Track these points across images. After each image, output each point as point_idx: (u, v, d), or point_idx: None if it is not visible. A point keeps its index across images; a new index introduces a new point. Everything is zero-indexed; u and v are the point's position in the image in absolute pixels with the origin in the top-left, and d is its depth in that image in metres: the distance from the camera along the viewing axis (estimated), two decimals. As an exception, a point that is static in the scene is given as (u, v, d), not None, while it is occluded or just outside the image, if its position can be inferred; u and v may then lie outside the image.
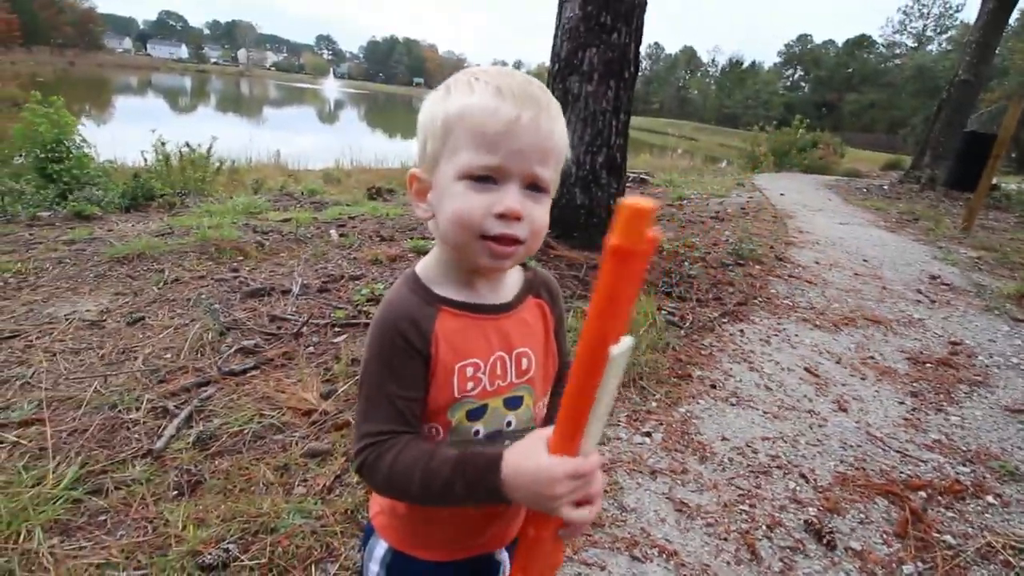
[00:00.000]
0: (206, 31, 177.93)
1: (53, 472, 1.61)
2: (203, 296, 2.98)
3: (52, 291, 3.01)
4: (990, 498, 1.84)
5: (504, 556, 0.78)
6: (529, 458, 0.56)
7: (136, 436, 1.84)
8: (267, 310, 2.87)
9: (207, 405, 2.03)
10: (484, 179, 0.59)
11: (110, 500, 1.54)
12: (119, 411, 1.97)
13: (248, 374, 2.26)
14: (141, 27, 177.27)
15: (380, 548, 0.75)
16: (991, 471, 1.99)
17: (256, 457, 1.75)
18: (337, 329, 2.69)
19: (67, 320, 2.67)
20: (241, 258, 3.66)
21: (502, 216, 0.59)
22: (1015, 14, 12.89)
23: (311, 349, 2.49)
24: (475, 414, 0.67)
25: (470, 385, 0.66)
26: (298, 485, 1.64)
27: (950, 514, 1.76)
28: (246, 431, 1.87)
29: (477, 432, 0.68)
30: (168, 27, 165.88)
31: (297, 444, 1.82)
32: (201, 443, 1.80)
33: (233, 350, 2.43)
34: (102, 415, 1.94)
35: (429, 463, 0.60)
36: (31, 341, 2.45)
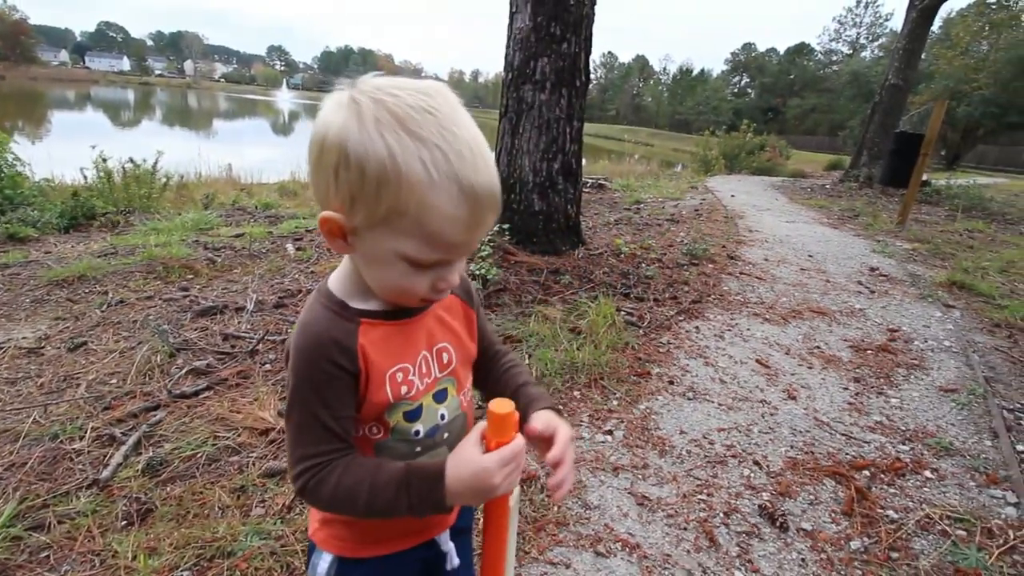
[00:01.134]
0: (149, 42, 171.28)
1: (-12, 510, 1.52)
2: (151, 317, 2.86)
3: (-16, 319, 2.84)
4: (928, 473, 1.96)
5: (450, 546, 0.79)
6: (468, 463, 0.61)
7: (80, 466, 1.75)
8: (220, 328, 2.79)
9: (157, 430, 1.95)
10: (425, 265, 0.60)
11: (52, 535, 1.46)
12: (61, 441, 1.87)
13: (201, 396, 2.18)
14: (78, 38, 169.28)
15: (324, 562, 0.75)
16: (928, 448, 2.13)
17: (211, 480, 1.70)
18: (285, 354, 2.63)
19: (1, 349, 2.52)
20: (191, 276, 3.54)
21: (443, 288, 0.64)
22: (937, 22, 13.84)
23: (267, 366, 2.43)
24: (412, 415, 0.69)
25: (403, 389, 0.68)
26: (256, 506, 1.60)
27: (892, 490, 1.86)
28: (199, 454, 1.81)
29: (417, 432, 0.70)
30: (108, 39, 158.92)
31: (254, 464, 1.77)
32: (151, 470, 1.73)
33: (184, 372, 2.34)
34: (42, 447, 1.84)
35: (374, 482, 0.62)
36: (-39, 373, 2.30)
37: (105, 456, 1.80)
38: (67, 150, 8.62)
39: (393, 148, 0.52)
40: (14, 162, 5.59)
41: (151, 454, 1.79)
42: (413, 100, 0.54)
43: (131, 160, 6.63)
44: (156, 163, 6.89)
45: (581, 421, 2.14)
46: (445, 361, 0.73)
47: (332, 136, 0.55)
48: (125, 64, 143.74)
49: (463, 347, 0.77)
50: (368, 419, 0.67)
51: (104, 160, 6.36)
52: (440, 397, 0.73)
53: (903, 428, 2.27)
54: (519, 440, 0.63)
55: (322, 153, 0.56)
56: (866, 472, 1.94)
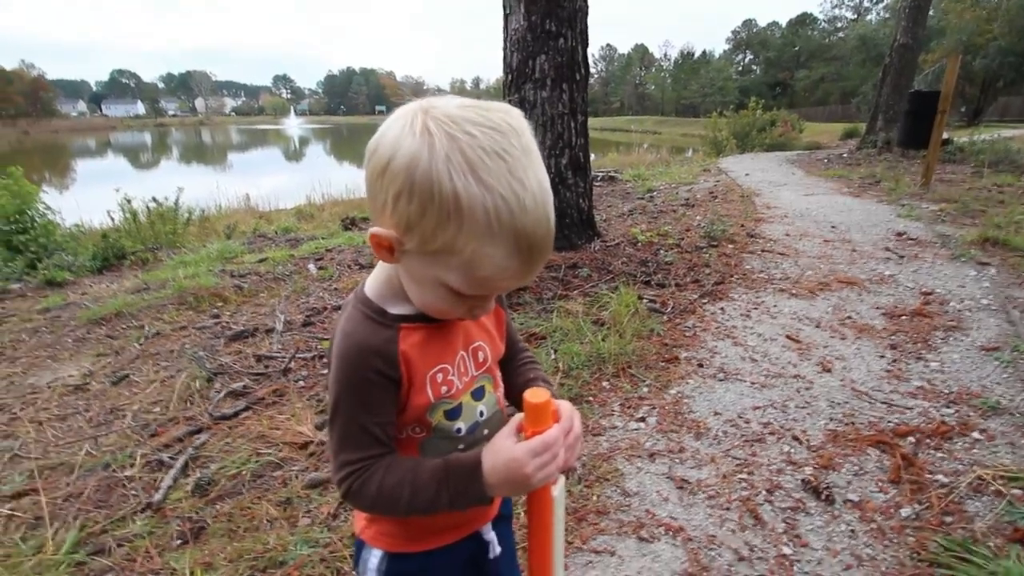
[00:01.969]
0: (161, 85, 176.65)
1: (52, 539, 1.59)
2: (186, 346, 2.96)
3: (31, 361, 2.97)
4: (976, 434, 1.90)
5: (492, 535, 0.81)
6: (499, 453, 0.62)
7: (133, 492, 1.82)
8: (253, 351, 2.86)
9: (202, 452, 2.01)
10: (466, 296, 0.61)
11: (114, 558, 1.53)
12: (113, 470, 1.95)
13: (240, 416, 2.25)
14: (94, 89, 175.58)
15: (374, 557, 0.76)
16: (974, 409, 2.06)
17: (257, 496, 1.75)
18: (325, 360, 2.69)
19: (50, 388, 2.64)
20: (221, 304, 3.64)
21: (479, 314, 0.66)
22: (942, -24, 13.43)
23: (301, 383, 2.49)
24: (453, 413, 0.70)
25: (444, 388, 0.69)
26: (302, 516, 1.64)
27: (940, 455, 1.81)
28: (244, 472, 1.86)
29: (459, 429, 0.71)
30: (121, 86, 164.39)
31: (297, 477, 1.82)
32: (200, 490, 1.79)
33: (223, 395, 2.41)
34: (96, 476, 1.92)
35: (415, 481, 0.64)
36: (15, 413, 2.41)
37: (156, 480, 1.87)
38: (93, 196, 8.96)
39: (460, 192, 0.51)
40: (45, 211, 5.83)
41: (199, 475, 1.85)
42: (487, 141, 0.52)
43: (154, 199, 6.87)
44: (178, 200, 7.11)
45: (612, 410, 2.14)
46: (481, 359, 0.75)
47: (399, 161, 0.53)
48: (140, 108, 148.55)
49: (495, 345, 0.79)
50: (410, 420, 0.69)
51: (129, 201, 6.60)
52: (478, 395, 0.74)
53: (946, 391, 2.21)
54: (552, 430, 0.62)
55: (385, 174, 0.55)
56: (911, 438, 1.90)
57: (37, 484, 1.88)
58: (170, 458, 1.98)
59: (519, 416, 0.65)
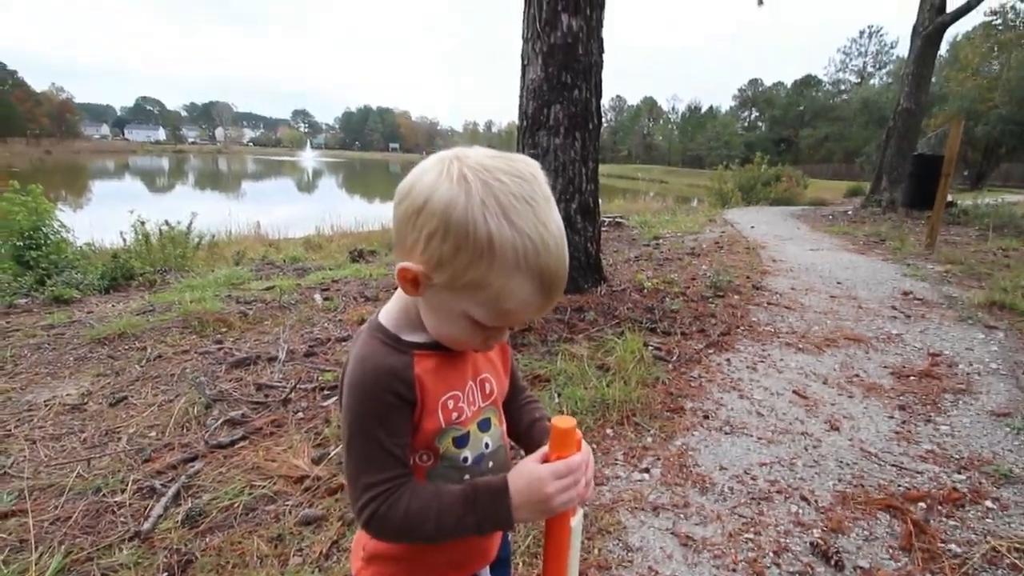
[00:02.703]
0: (183, 113, 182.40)
1: (36, 564, 1.54)
2: (187, 370, 2.94)
3: (31, 378, 2.95)
4: (988, 503, 1.85)
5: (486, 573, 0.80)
6: (523, 474, 0.64)
7: (122, 519, 1.77)
8: (253, 379, 2.84)
9: (195, 481, 1.97)
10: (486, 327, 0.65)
11: (96, 589, 1.47)
12: (103, 495, 1.90)
13: (237, 445, 2.21)
14: (119, 113, 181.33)
15: None
16: (986, 476, 2.01)
17: (248, 530, 1.70)
18: (326, 392, 2.67)
19: (47, 406, 2.61)
20: (225, 329, 3.64)
21: (493, 345, 0.70)
22: (944, 46, 13.97)
23: (300, 415, 2.46)
24: (460, 441, 0.71)
25: (454, 415, 0.70)
26: (294, 555, 1.59)
27: (952, 522, 1.76)
28: (237, 504, 1.82)
29: (465, 459, 0.72)
30: (145, 112, 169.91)
31: (290, 512, 1.77)
32: (191, 520, 1.74)
33: (220, 422, 2.38)
34: (86, 500, 1.87)
35: (441, 503, 0.64)
36: (9, 430, 2.38)
37: (146, 508, 1.82)
38: (107, 216, 9.12)
39: (493, 234, 0.56)
40: (59, 229, 5.92)
41: (190, 505, 1.81)
42: (517, 188, 0.57)
43: (167, 223, 6.99)
44: (190, 224, 7.23)
45: (616, 460, 2.09)
46: (488, 391, 0.76)
47: (436, 203, 0.57)
48: (161, 134, 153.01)
49: (501, 380, 0.81)
50: (419, 447, 0.69)
51: (142, 223, 6.71)
52: (484, 426, 0.75)
53: (956, 456, 2.16)
54: (576, 456, 0.65)
55: (419, 215, 0.59)
56: (922, 504, 1.84)
57: (25, 505, 1.83)
58: (162, 485, 1.93)
59: (545, 447, 0.67)
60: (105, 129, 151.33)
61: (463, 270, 0.58)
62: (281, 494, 1.87)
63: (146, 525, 1.71)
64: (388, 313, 0.71)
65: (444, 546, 0.72)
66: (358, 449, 0.64)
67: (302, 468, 1.99)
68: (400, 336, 0.68)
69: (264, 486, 1.91)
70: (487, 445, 0.75)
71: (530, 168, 0.61)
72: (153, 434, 2.34)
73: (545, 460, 0.65)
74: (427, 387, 0.67)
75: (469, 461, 0.72)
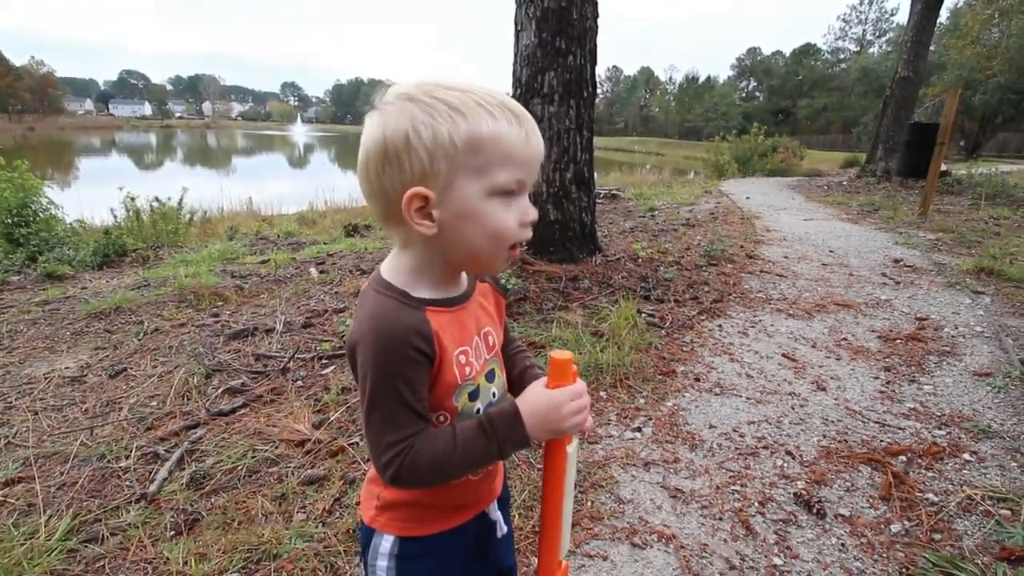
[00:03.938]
0: (169, 87, 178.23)
1: (45, 526, 1.59)
2: (185, 342, 2.97)
3: (28, 352, 2.97)
4: (966, 456, 1.92)
5: (498, 515, 0.84)
6: (538, 397, 0.69)
7: (128, 483, 1.82)
8: (252, 350, 2.87)
9: (198, 446, 2.02)
10: (509, 193, 0.66)
11: (106, 546, 1.52)
12: (108, 461, 1.95)
13: (238, 412, 2.25)
14: (102, 88, 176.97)
15: (386, 542, 0.77)
16: (965, 431, 2.08)
17: (253, 490, 1.75)
18: (324, 361, 2.71)
19: (46, 379, 2.64)
20: (221, 303, 3.65)
21: (526, 224, 0.69)
22: (945, 13, 13.75)
23: (299, 383, 2.50)
24: (473, 395, 0.74)
25: (467, 370, 0.72)
26: (297, 512, 1.64)
27: (930, 474, 1.83)
28: (240, 467, 1.87)
29: (478, 410, 0.75)
30: (130, 86, 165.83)
31: (293, 474, 1.83)
32: (195, 483, 1.79)
33: (220, 391, 2.42)
34: (91, 466, 1.92)
35: (461, 440, 0.67)
36: (11, 402, 2.41)
37: (151, 472, 1.87)
38: (96, 193, 9.01)
39: (454, 102, 0.61)
40: (48, 206, 5.86)
41: (194, 468, 1.85)
42: (473, 88, 0.64)
43: (157, 199, 6.91)
44: (181, 200, 7.16)
45: (609, 420, 2.15)
46: (490, 343, 0.78)
47: (392, 130, 0.62)
48: (147, 109, 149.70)
49: (499, 331, 0.83)
50: (436, 404, 0.70)
51: (132, 200, 6.64)
52: (490, 377, 0.77)
53: (938, 413, 2.23)
54: (580, 382, 0.71)
55: (386, 150, 0.63)
56: (902, 457, 1.91)
57: (32, 472, 1.88)
58: (166, 451, 1.98)
59: (543, 379, 0.72)
60: (89, 104, 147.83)
61: (451, 145, 0.61)
62: (283, 457, 1.92)
63: (152, 487, 1.76)
64: (392, 270, 0.71)
65: (456, 488, 0.75)
66: (382, 408, 0.64)
67: (303, 432, 2.04)
68: (408, 292, 0.68)
69: (266, 450, 1.95)
70: (494, 395, 0.78)
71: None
72: (154, 403, 2.38)
73: (547, 387, 0.70)
74: (443, 342, 0.68)
75: (481, 412, 0.75)
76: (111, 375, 2.66)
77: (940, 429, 2.11)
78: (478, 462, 0.68)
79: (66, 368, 2.77)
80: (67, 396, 2.49)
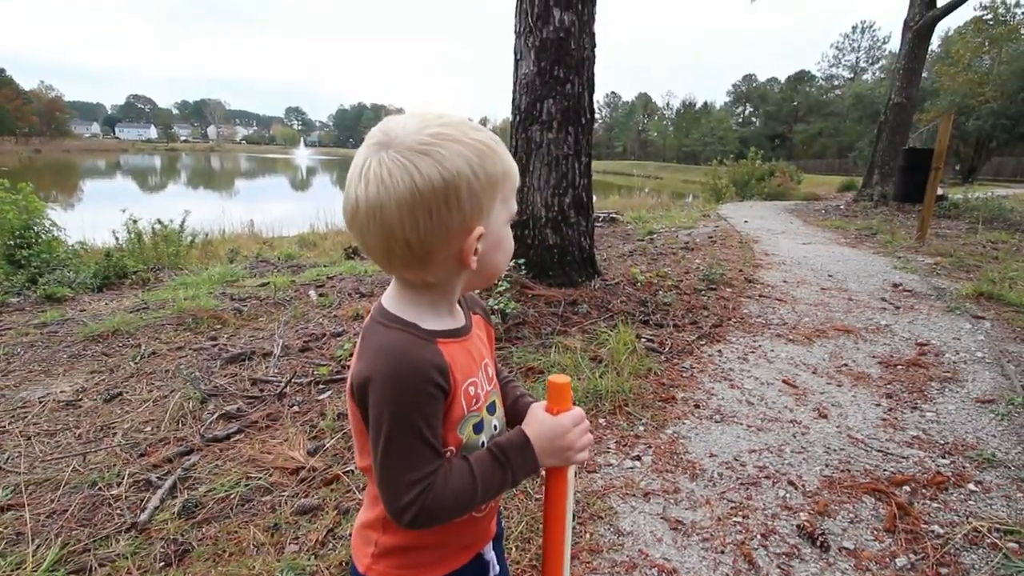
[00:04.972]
0: (175, 111, 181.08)
1: (32, 555, 1.56)
2: (182, 366, 2.95)
3: (24, 375, 2.95)
4: (971, 486, 1.89)
5: (492, 555, 0.81)
6: (542, 424, 0.71)
7: (118, 511, 1.79)
8: (248, 374, 2.86)
9: (191, 473, 1.99)
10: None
11: (94, 578, 1.49)
12: (99, 488, 1.92)
13: (232, 439, 2.23)
14: (109, 112, 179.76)
15: None
16: (970, 460, 2.05)
17: (245, 520, 1.72)
18: (321, 386, 2.69)
19: (41, 403, 2.62)
20: (219, 326, 3.64)
21: None
22: (935, 41, 14.05)
23: (295, 408, 2.48)
24: (478, 427, 0.73)
25: (475, 402, 0.71)
26: (290, 543, 1.61)
27: (935, 505, 1.80)
28: (233, 495, 1.84)
29: (482, 443, 0.73)
30: (136, 110, 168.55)
31: (286, 503, 1.79)
32: (187, 512, 1.76)
33: (215, 416, 2.40)
34: (82, 494, 1.89)
35: (477, 473, 0.67)
36: (4, 427, 2.39)
37: (142, 500, 1.84)
38: (99, 215, 9.07)
39: (484, 139, 0.64)
40: (51, 228, 5.89)
41: (186, 497, 1.82)
42: (476, 128, 0.65)
43: (159, 221, 6.96)
44: (183, 222, 7.20)
45: (608, 448, 2.12)
46: (490, 375, 0.78)
47: (451, 172, 0.60)
48: (152, 132, 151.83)
49: (494, 361, 0.83)
50: (442, 438, 0.69)
51: (134, 222, 6.68)
52: (491, 409, 0.76)
53: (941, 442, 2.20)
54: (578, 409, 0.73)
55: (446, 192, 0.60)
56: (906, 488, 1.88)
57: (22, 499, 1.85)
58: (158, 478, 1.95)
59: (542, 403, 0.74)
60: (96, 127, 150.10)
61: (485, 195, 0.63)
62: (277, 485, 1.89)
63: (143, 516, 1.73)
64: (397, 302, 0.69)
65: (462, 527, 0.74)
66: (400, 446, 0.62)
67: (298, 459, 2.01)
68: (417, 324, 0.67)
69: (260, 477, 1.93)
70: (495, 427, 0.77)
71: (424, 117, 0.64)
72: (148, 429, 2.35)
73: (547, 412, 0.72)
74: (456, 375, 0.67)
75: (484, 446, 0.74)
76: (106, 399, 2.63)
77: (944, 458, 2.08)
78: (495, 493, 0.69)
79: (61, 392, 2.74)
80: (61, 421, 2.46)
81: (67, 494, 1.90)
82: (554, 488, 0.74)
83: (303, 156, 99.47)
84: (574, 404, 0.74)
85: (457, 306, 0.75)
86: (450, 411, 0.68)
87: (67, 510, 1.81)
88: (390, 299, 0.70)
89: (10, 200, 5.51)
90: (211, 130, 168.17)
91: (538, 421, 0.71)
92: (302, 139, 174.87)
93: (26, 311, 4.28)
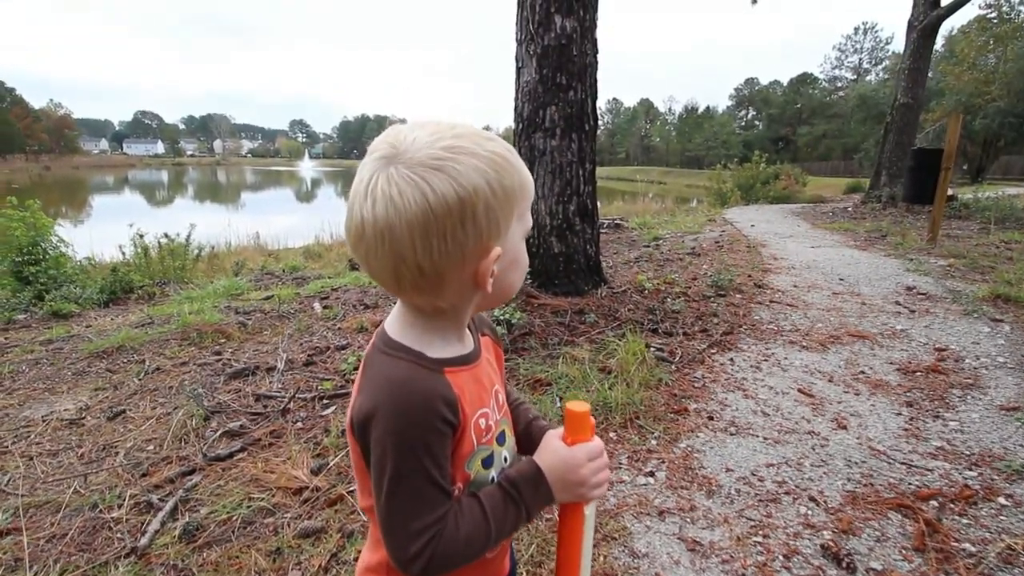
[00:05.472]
0: (182, 126, 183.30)
1: (29, 585, 1.51)
2: (186, 382, 2.91)
3: (28, 393, 2.93)
4: (1002, 499, 1.81)
5: None
6: (554, 455, 0.65)
7: (119, 535, 1.74)
8: (252, 390, 2.82)
9: (193, 495, 1.94)
10: None
11: (91, 609, 1.44)
12: (100, 511, 1.87)
13: (235, 457, 2.18)
14: (117, 128, 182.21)
15: None
16: (998, 472, 1.97)
17: (247, 544, 1.67)
18: (325, 401, 2.64)
19: (44, 421, 2.59)
20: (224, 340, 3.61)
21: None
22: (939, 40, 13.98)
23: (299, 424, 2.43)
24: (488, 461, 0.67)
25: (485, 434, 0.66)
26: (292, 568, 1.55)
27: (965, 521, 1.72)
28: (235, 517, 1.79)
29: (492, 479, 0.68)
30: (144, 126, 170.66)
31: (289, 525, 1.74)
32: (188, 535, 1.71)
33: (218, 434, 2.35)
34: (82, 517, 1.84)
35: (489, 512, 0.62)
36: (6, 447, 2.35)
37: (143, 523, 1.79)
38: (107, 230, 9.12)
39: (500, 150, 0.58)
40: (58, 244, 5.92)
41: (187, 519, 1.77)
42: (437, 146, 0.56)
43: (166, 235, 6.98)
44: (189, 236, 7.22)
45: (620, 463, 2.06)
46: (500, 402, 0.72)
47: (467, 188, 0.54)
48: (160, 148, 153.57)
49: (504, 386, 0.77)
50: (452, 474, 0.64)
51: (141, 236, 6.70)
52: (501, 440, 0.71)
53: (967, 452, 2.12)
54: (598, 440, 0.67)
55: (463, 210, 0.54)
56: (933, 502, 1.80)
57: (20, 523, 1.80)
58: (159, 500, 1.90)
59: (559, 430, 0.68)
60: (104, 144, 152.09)
61: (502, 211, 0.58)
62: (280, 506, 1.84)
63: (143, 541, 1.68)
64: (401, 328, 0.64)
65: (475, 571, 0.68)
66: (405, 489, 0.57)
67: (301, 479, 1.96)
68: (424, 353, 0.62)
69: (263, 498, 1.87)
70: (506, 459, 0.71)
71: (435, 127, 0.58)
72: (151, 447, 2.31)
73: (563, 441, 0.66)
74: (465, 407, 0.62)
75: (495, 481, 0.68)
76: (109, 417, 2.60)
77: (971, 470, 2.00)
78: (509, 531, 0.64)
79: (65, 410, 2.71)
80: (64, 440, 2.43)
81: (67, 517, 1.86)
82: (567, 525, 0.68)
83: (308, 168, 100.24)
84: (595, 434, 0.68)
85: (466, 328, 0.70)
86: (459, 446, 0.62)
87: (67, 534, 1.77)
88: (395, 325, 0.65)
89: (17, 217, 5.53)
90: (217, 144, 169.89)
91: (551, 451, 0.66)
92: (306, 151, 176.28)
93: (32, 328, 4.28)
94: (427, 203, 0.53)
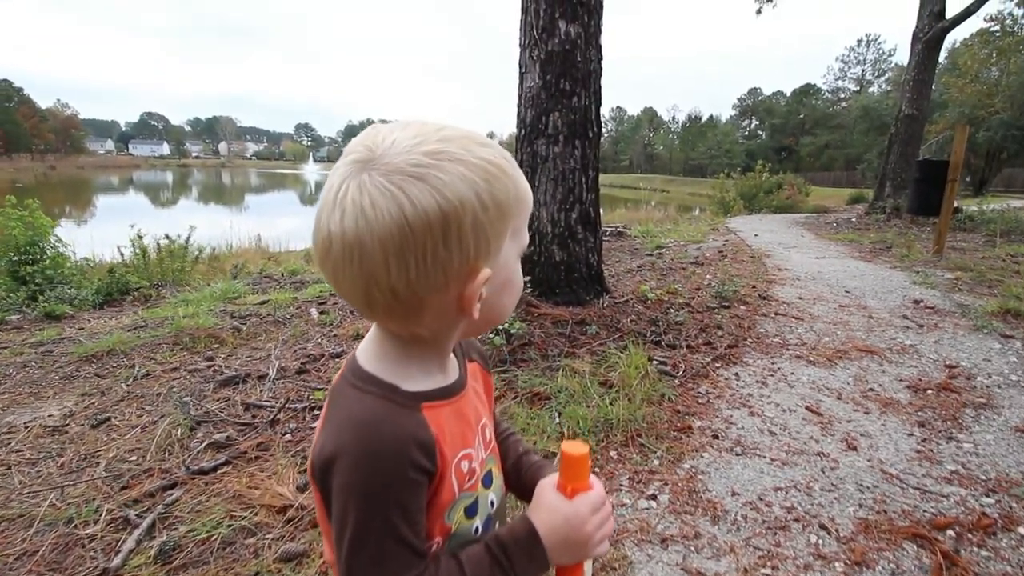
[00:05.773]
0: (187, 128, 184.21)
1: (-8, 608, 1.43)
2: (174, 389, 2.83)
3: (13, 398, 2.85)
4: (1021, 530, 1.72)
5: None
6: (554, 514, 0.56)
7: (91, 554, 1.66)
8: (242, 398, 2.73)
9: (172, 511, 1.85)
10: None
11: (56, 636, 1.35)
12: (75, 526, 1.79)
13: (219, 471, 2.09)
14: (123, 129, 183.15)
15: None
16: (1016, 499, 1.88)
17: (224, 567, 1.58)
18: (316, 412, 2.55)
19: (27, 428, 2.50)
20: (217, 345, 3.53)
21: None
22: (943, 53, 13.95)
23: (288, 437, 2.34)
24: (471, 510, 0.59)
25: (468, 479, 0.58)
26: (272, 595, 1.47)
27: (984, 553, 1.62)
28: (214, 537, 1.70)
29: (477, 529, 0.59)
30: (150, 127, 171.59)
31: (270, 547, 1.65)
32: (163, 556, 1.62)
33: (203, 446, 2.27)
34: (55, 532, 1.76)
35: (473, 573, 0.53)
36: (-16, 456, 2.27)
37: (118, 541, 1.70)
38: (109, 231, 9.08)
39: (492, 157, 0.51)
40: (57, 244, 5.86)
41: (164, 538, 1.69)
42: (419, 150, 0.48)
43: (166, 236, 6.92)
44: (189, 238, 7.16)
45: (621, 485, 1.97)
46: (487, 437, 0.64)
47: (451, 201, 0.47)
48: (165, 149, 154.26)
49: (492, 419, 0.68)
50: (426, 528, 0.55)
51: (140, 237, 6.64)
52: (487, 481, 0.62)
53: (983, 477, 2.03)
54: (599, 486, 0.59)
55: (446, 226, 0.47)
56: (950, 532, 1.71)
57: (-10, 540, 1.72)
58: (137, 516, 1.82)
59: (553, 477, 0.59)
60: (110, 144, 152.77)
61: (492, 227, 0.50)
62: (262, 526, 1.75)
63: (116, 561, 1.60)
64: (374, 357, 0.56)
65: None
66: (372, 550, 0.49)
67: (286, 497, 1.88)
68: (398, 386, 0.54)
69: (244, 517, 1.79)
70: (492, 503, 0.63)
71: (415, 129, 0.51)
72: (133, 458, 2.23)
73: (559, 489, 0.58)
74: (444, 449, 0.54)
75: (480, 531, 0.60)
76: (93, 425, 2.52)
77: (988, 496, 1.91)
78: None
79: (49, 416, 2.63)
80: (45, 448, 2.34)
81: (40, 532, 1.77)
82: None
83: (312, 171, 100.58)
84: (592, 475, 0.59)
85: (450, 355, 0.61)
86: (437, 495, 0.54)
87: (38, 551, 1.68)
88: (367, 353, 0.56)
89: (16, 217, 5.48)
90: (222, 146, 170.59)
91: (549, 508, 0.56)
92: (311, 155, 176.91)
93: (23, 329, 4.20)
94: (403, 217, 0.46)
